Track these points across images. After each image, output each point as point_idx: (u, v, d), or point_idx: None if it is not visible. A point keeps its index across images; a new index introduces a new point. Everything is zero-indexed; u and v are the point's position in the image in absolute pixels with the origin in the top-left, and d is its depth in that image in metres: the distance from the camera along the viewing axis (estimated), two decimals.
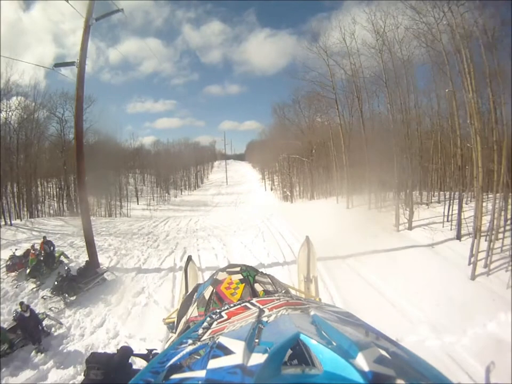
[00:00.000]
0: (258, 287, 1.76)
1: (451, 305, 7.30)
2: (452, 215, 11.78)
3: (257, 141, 32.74)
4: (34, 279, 9.14)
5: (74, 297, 8.13)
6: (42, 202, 19.99)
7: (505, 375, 4.16)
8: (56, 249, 10.15)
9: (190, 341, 0.72)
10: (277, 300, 0.99)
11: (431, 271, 8.73)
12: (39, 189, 19.86)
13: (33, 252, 9.51)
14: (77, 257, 10.20)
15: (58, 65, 9.38)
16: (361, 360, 0.51)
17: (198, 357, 0.62)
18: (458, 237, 10.85)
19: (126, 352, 1.38)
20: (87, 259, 9.49)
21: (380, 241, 10.43)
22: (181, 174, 32.32)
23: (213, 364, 0.54)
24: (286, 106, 22.62)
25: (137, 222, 15.27)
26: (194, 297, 1.88)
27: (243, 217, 14.87)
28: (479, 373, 5.01)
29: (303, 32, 27.16)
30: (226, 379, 0.49)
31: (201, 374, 0.52)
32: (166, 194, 30.08)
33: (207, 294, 1.71)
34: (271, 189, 29.66)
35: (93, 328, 7.19)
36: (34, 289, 8.90)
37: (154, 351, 1.50)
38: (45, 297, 8.38)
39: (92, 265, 9.24)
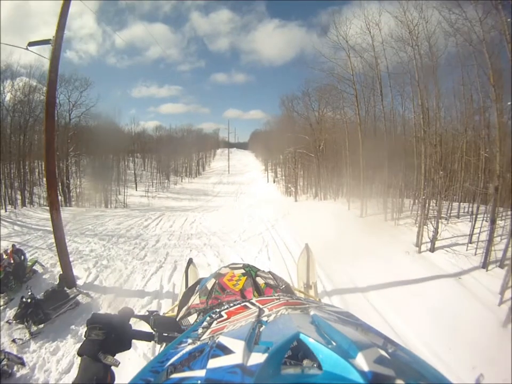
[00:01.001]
0: (260, 280, 1.74)
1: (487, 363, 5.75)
2: (472, 234, 10.23)
3: (261, 131, 31.51)
4: (2, 294, 7.67)
5: (42, 326, 6.61)
6: (30, 190, 18.51)
7: None
8: (28, 258, 8.58)
9: (189, 341, 0.69)
10: (276, 299, 0.91)
11: (459, 311, 7.13)
12: (29, 176, 18.40)
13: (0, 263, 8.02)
14: (53, 265, 8.60)
15: (32, 44, 7.67)
16: (361, 360, 0.49)
17: (198, 357, 0.58)
18: (485, 265, 9.25)
19: (127, 313, 1.23)
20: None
21: (400, 266, 8.86)
22: (183, 160, 30.80)
23: (213, 363, 0.52)
24: (295, 98, 20.96)
25: (128, 219, 13.59)
26: (196, 288, 1.80)
27: (244, 219, 13.25)
28: None
29: (312, 25, 27.60)
30: (226, 378, 0.48)
31: (201, 373, 0.51)
32: (166, 181, 28.77)
33: (209, 285, 1.69)
34: (274, 181, 28.34)
35: (59, 374, 5.65)
36: (1, 307, 7.40)
37: (155, 313, 1.34)
38: (10, 321, 6.84)
39: (65, 282, 7.65)
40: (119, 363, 1.07)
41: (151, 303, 6.69)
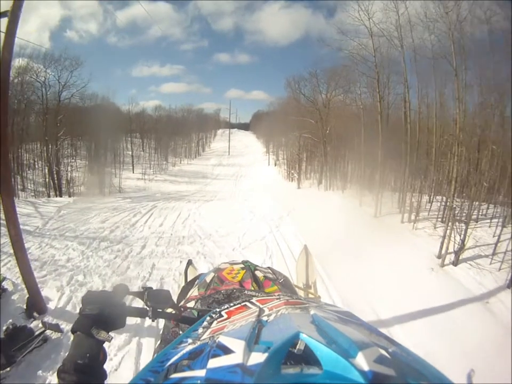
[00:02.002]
0: (259, 274, 1.73)
1: None
2: (497, 243, 8.62)
3: (264, 112, 30.06)
4: None
5: (8, 369, 5.06)
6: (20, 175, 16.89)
7: None
8: None
9: (189, 340, 0.68)
10: (276, 299, 0.90)
11: (490, 345, 5.61)
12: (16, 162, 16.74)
13: None
14: None
15: None
16: (361, 360, 0.49)
17: (198, 356, 0.57)
18: (510, 285, 7.64)
19: (121, 290, 1.18)
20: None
21: (423, 285, 7.26)
22: (182, 141, 29.14)
23: (213, 363, 0.51)
24: (302, 79, 19.02)
25: (116, 213, 11.83)
26: (195, 283, 1.82)
27: (245, 218, 11.49)
28: None
29: (318, 6, 25.33)
30: (226, 378, 0.47)
31: (201, 373, 0.50)
32: (164, 163, 27.20)
33: (208, 279, 1.69)
34: (275, 164, 26.81)
35: None
36: None
37: (149, 289, 1.23)
38: None
39: (33, 308, 6.08)
40: (112, 338, 1.04)
41: (130, 343, 5.02)
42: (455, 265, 8.48)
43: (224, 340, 0.57)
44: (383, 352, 0.52)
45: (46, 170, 17.21)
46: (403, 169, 11.38)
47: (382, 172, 11.96)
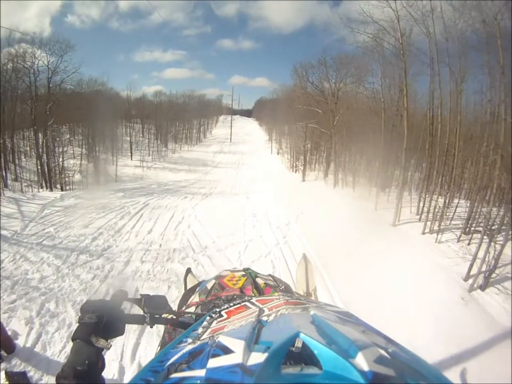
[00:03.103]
0: (259, 281, 1.70)
1: None
2: None
3: (267, 99, 28.57)
4: None
5: None
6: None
7: None
8: None
9: (189, 340, 0.67)
10: (276, 299, 0.87)
11: None
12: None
13: None
14: None
15: None
16: (361, 360, 0.48)
17: (198, 356, 0.56)
18: None
19: (120, 296, 1.22)
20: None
21: (450, 315, 5.80)
22: (183, 127, 27.72)
23: (213, 363, 0.50)
24: (310, 67, 17.24)
25: (103, 214, 10.17)
26: (196, 290, 1.76)
27: (246, 224, 9.68)
28: None
29: None
30: (226, 378, 0.46)
31: (201, 373, 0.49)
32: (164, 149, 25.69)
33: (209, 285, 1.66)
34: (278, 153, 25.39)
35: None
36: None
37: (146, 296, 1.26)
38: None
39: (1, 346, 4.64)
40: (111, 346, 1.02)
41: None
42: (483, 290, 7.00)
43: (224, 339, 0.55)
44: (383, 352, 0.50)
45: (35, 161, 15.60)
46: (425, 171, 9.77)
47: (404, 172, 10.23)
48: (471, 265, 7.31)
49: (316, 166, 19.10)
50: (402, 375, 0.47)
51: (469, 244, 8.53)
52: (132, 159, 23.07)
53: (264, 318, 0.69)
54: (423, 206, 9.89)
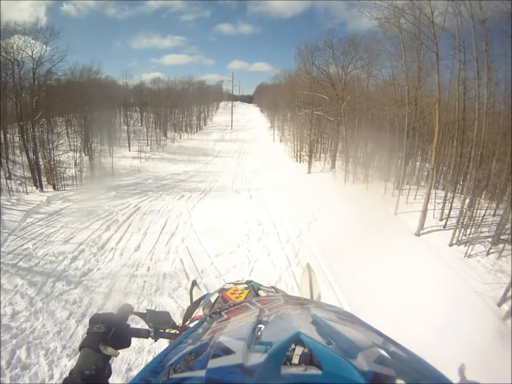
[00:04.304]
0: (262, 293, 1.61)
1: None
2: None
3: (268, 84, 27.36)
4: None
5: None
6: None
7: None
8: None
9: (190, 341, 0.63)
10: (276, 299, 0.83)
11: None
12: None
13: None
14: None
15: None
16: (361, 360, 0.47)
17: (198, 357, 0.53)
18: None
19: (126, 310, 1.19)
20: None
21: (486, 351, 4.50)
22: (182, 114, 26.17)
23: (213, 363, 0.49)
24: (316, 49, 15.43)
25: (88, 223, 8.71)
26: (201, 303, 1.71)
27: (251, 235, 7.99)
28: None
29: None
30: (226, 378, 0.45)
31: (201, 373, 0.47)
32: (163, 138, 24.19)
33: (213, 299, 1.60)
34: (280, 140, 23.82)
35: None
36: None
37: (151, 311, 1.26)
38: None
39: None
40: (119, 353, 1.02)
41: None
42: None
43: (224, 340, 0.54)
44: (383, 352, 0.49)
45: (27, 158, 14.06)
46: (451, 171, 8.25)
47: (432, 174, 8.60)
48: (507, 290, 5.97)
49: (320, 155, 17.55)
50: (402, 374, 0.45)
51: (499, 257, 7.16)
52: (129, 150, 21.57)
53: (264, 318, 0.66)
54: (450, 211, 8.42)
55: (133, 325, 1.17)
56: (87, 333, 1.04)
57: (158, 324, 1.20)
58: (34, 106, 14.04)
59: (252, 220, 9.00)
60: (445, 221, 8.55)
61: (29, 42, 14.20)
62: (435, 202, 8.67)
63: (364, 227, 7.78)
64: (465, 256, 7.30)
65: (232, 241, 7.56)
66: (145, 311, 1.22)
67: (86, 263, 6.74)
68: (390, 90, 11.11)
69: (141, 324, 1.24)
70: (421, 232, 8.11)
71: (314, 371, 0.50)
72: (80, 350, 1.00)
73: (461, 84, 8.10)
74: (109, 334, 1.03)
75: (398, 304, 5.19)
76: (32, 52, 14.20)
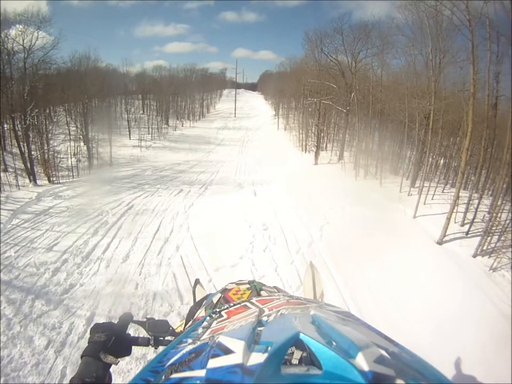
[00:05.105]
0: (264, 294, 1.53)
1: None
2: None
3: (273, 72, 26.84)
4: None
5: None
6: None
7: None
8: None
9: (189, 340, 0.61)
10: (276, 299, 0.83)
11: None
12: None
13: None
14: None
15: None
16: (361, 360, 0.45)
17: (198, 356, 0.52)
18: None
19: (126, 319, 1.17)
20: None
21: None
22: (185, 102, 25.49)
23: (213, 363, 0.47)
24: (325, 35, 14.24)
25: (74, 225, 7.67)
26: (203, 303, 1.61)
27: (256, 243, 6.93)
28: None
29: None
30: (226, 378, 0.43)
31: (201, 373, 0.46)
32: (165, 126, 23.23)
33: (215, 299, 1.51)
34: (285, 129, 22.93)
35: None
36: None
37: (150, 319, 1.26)
38: None
39: None
40: (119, 361, 1.00)
41: None
42: None
43: (224, 340, 0.52)
44: (383, 352, 0.48)
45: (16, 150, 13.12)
46: (477, 173, 7.18)
47: (461, 178, 7.45)
48: None
49: (327, 145, 16.50)
50: (402, 375, 0.43)
51: None
52: (130, 139, 20.73)
53: (264, 318, 0.65)
54: (474, 216, 7.40)
55: (133, 334, 1.15)
56: (88, 342, 1.01)
57: (157, 332, 1.17)
58: (26, 97, 13.00)
59: (256, 223, 7.91)
60: (467, 226, 7.55)
61: (20, 30, 13.11)
62: (456, 204, 7.60)
63: (381, 233, 6.81)
64: (490, 270, 6.35)
65: (234, 250, 6.56)
66: (144, 320, 1.21)
67: (69, 276, 5.84)
68: (409, 80, 9.90)
69: (142, 333, 1.20)
70: (444, 240, 7.08)
71: (314, 371, 0.46)
72: (81, 358, 0.97)
73: (494, 78, 6.95)
74: (109, 343, 1.01)
75: (419, 325, 4.35)
76: (23, 40, 13.11)
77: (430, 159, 9.24)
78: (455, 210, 7.64)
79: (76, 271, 5.99)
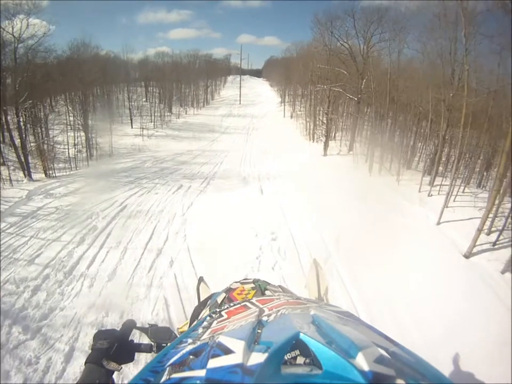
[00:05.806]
0: (268, 293, 1.43)
1: None
2: None
3: (279, 58, 25.51)
4: None
5: None
6: None
7: None
8: None
9: (189, 340, 0.60)
10: (277, 299, 0.83)
11: None
12: None
13: None
14: None
15: None
16: (361, 360, 0.44)
17: (198, 356, 0.52)
18: None
19: (129, 325, 1.15)
20: None
21: None
22: (189, 89, 24.35)
23: (213, 363, 0.46)
24: (336, 18, 13.06)
25: (61, 230, 6.84)
26: (208, 303, 1.56)
27: (263, 260, 5.94)
28: None
29: None
30: (226, 378, 0.43)
31: (201, 373, 0.45)
32: (168, 114, 22.21)
33: (219, 299, 1.43)
34: (291, 116, 21.77)
35: None
36: None
37: (153, 326, 1.23)
38: None
39: None
40: (121, 368, 0.98)
41: None
42: None
43: (224, 339, 0.51)
44: (383, 352, 0.47)
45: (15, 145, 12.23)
46: (501, 169, 6.13)
47: (499, 184, 6.39)
48: None
49: (335, 135, 15.42)
50: (402, 375, 0.43)
51: None
52: (132, 127, 19.77)
53: (264, 318, 0.64)
54: (505, 224, 6.41)
55: (136, 340, 1.12)
56: (91, 349, 0.98)
57: (160, 339, 1.15)
58: (17, 88, 12.07)
59: (263, 231, 6.90)
60: (493, 235, 6.57)
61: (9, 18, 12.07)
62: (488, 215, 6.56)
63: (404, 242, 5.88)
64: None
65: (237, 267, 5.59)
66: (147, 326, 1.18)
67: (49, 296, 5.06)
68: (431, 68, 8.76)
69: (146, 339, 1.17)
70: (471, 253, 6.10)
71: (314, 371, 0.46)
72: (84, 365, 0.95)
73: None
74: (111, 350, 0.98)
75: (441, 347, 3.54)
76: (13, 28, 12.08)
77: (453, 157, 8.20)
78: (478, 216, 6.68)
79: (57, 291, 5.20)
